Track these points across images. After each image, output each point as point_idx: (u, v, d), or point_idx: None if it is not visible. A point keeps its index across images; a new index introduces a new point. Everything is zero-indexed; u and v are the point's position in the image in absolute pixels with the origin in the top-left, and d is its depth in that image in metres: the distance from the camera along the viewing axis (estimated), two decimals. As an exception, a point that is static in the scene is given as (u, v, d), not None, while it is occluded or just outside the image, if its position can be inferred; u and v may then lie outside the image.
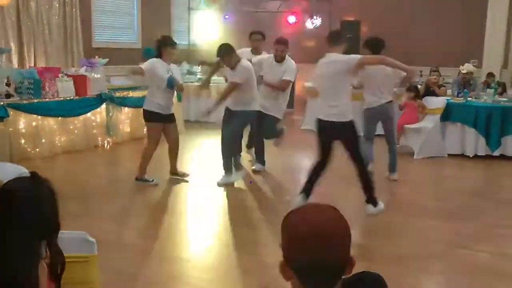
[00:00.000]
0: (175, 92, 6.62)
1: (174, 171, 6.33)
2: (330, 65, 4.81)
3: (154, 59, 5.90)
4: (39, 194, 1.61)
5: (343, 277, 1.39)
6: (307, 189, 5.09)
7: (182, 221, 5.14)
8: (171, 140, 6.17)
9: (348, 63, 4.72)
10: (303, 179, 6.69)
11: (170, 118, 6.09)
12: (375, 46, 6.07)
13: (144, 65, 5.89)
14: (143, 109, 6.12)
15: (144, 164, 6.04)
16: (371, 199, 4.96)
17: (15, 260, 1.48)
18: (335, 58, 4.80)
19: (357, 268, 1.42)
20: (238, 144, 6.56)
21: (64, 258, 1.72)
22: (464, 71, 8.97)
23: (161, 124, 6.00)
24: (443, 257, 4.22)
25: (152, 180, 6.07)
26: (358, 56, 4.82)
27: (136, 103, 8.37)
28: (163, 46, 5.91)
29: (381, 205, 4.97)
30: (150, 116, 6.00)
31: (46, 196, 1.64)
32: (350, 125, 4.84)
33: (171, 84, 5.90)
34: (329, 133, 4.91)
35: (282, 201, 5.59)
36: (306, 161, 7.33)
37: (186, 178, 6.31)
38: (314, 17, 13.04)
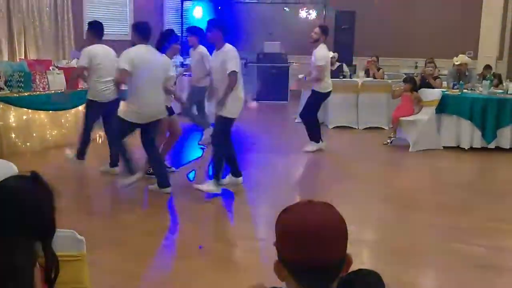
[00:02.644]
0: None
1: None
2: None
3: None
4: (39, 194, 1.64)
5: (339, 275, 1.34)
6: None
7: (176, 217, 5.07)
8: (174, 132, 6.19)
9: None
10: (299, 174, 6.67)
11: (173, 111, 6.17)
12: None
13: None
14: None
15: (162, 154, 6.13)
16: None
17: (14, 260, 1.46)
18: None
19: (353, 265, 1.37)
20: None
21: (58, 261, 1.70)
22: (457, 63, 8.90)
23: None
24: (439, 251, 4.18)
25: (170, 167, 6.17)
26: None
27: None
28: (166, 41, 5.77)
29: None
30: None
31: (46, 197, 1.66)
32: None
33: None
34: None
35: (279, 195, 5.53)
36: (302, 156, 7.30)
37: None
38: (309, 8, 12.99)
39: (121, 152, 5.36)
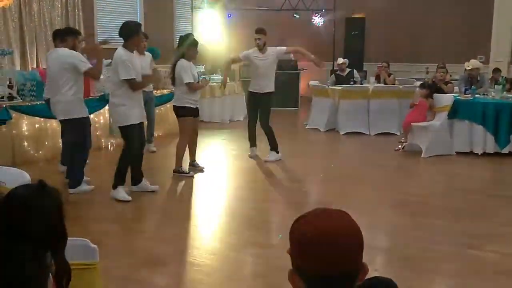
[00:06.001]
0: None
1: (192, 163, 6.70)
2: None
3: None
4: (47, 203, 1.63)
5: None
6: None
7: (186, 224, 5.05)
8: (195, 134, 6.59)
9: None
10: (310, 180, 6.63)
11: (197, 112, 6.54)
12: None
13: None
14: (175, 106, 6.47)
15: (180, 156, 6.39)
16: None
17: (24, 271, 1.45)
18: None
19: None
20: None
21: (70, 269, 1.69)
22: (469, 68, 8.81)
23: (192, 118, 6.40)
24: (453, 258, 4.13)
25: (189, 172, 6.41)
26: None
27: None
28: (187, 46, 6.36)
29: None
30: (183, 111, 6.37)
31: (54, 206, 1.65)
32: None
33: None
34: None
35: (291, 201, 5.51)
36: (312, 163, 7.27)
37: (203, 169, 6.67)
38: (319, 14, 12.99)
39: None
